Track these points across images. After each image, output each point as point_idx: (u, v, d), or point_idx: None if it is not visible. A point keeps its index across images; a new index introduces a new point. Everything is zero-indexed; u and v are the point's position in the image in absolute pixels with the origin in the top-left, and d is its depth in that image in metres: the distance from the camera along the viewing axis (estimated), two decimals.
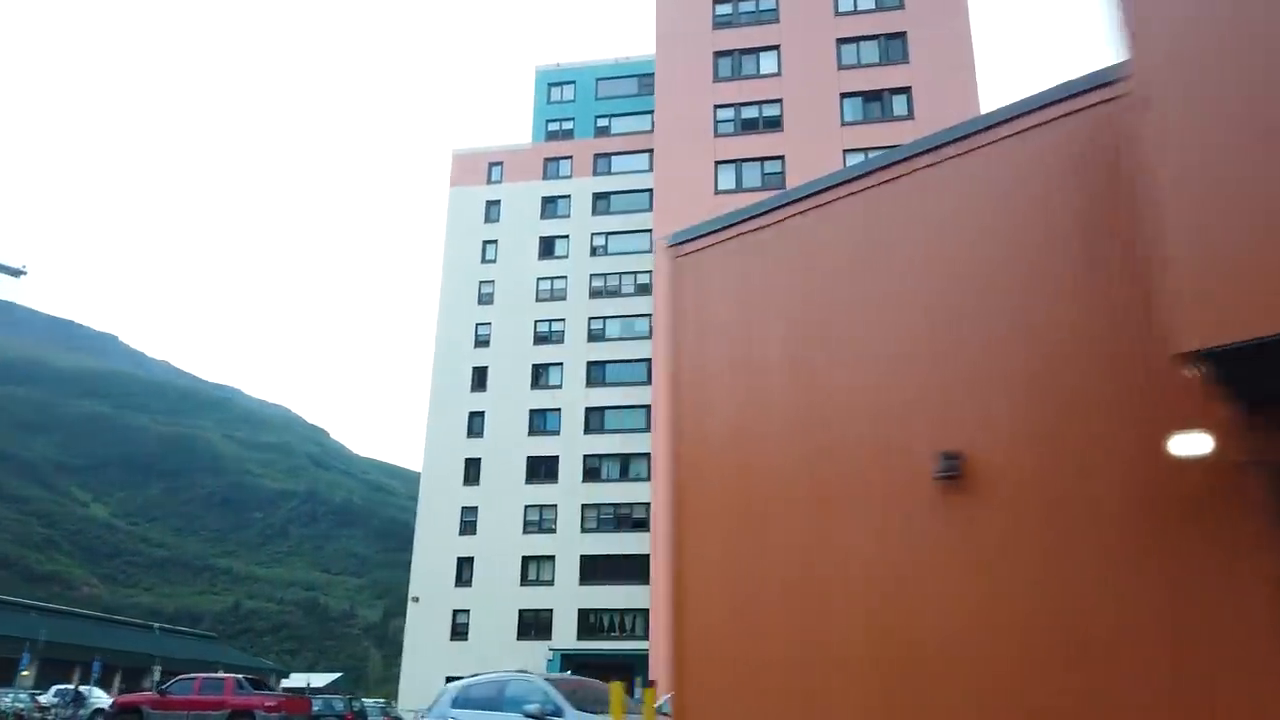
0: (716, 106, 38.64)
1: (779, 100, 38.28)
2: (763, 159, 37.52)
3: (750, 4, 40.35)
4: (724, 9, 40.49)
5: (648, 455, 49.78)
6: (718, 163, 37.76)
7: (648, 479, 49.28)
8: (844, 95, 37.78)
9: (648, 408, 50.69)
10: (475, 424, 52.40)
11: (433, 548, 50.12)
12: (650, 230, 54.24)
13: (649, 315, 52.67)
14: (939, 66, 37.28)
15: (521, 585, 48.62)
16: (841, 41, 38.67)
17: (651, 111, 57.31)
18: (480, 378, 53.37)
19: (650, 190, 55.20)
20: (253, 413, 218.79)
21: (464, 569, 49.56)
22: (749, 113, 38.48)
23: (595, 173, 56.75)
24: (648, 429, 50.12)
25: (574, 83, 59.50)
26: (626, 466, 50.29)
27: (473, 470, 51.48)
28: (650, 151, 56.08)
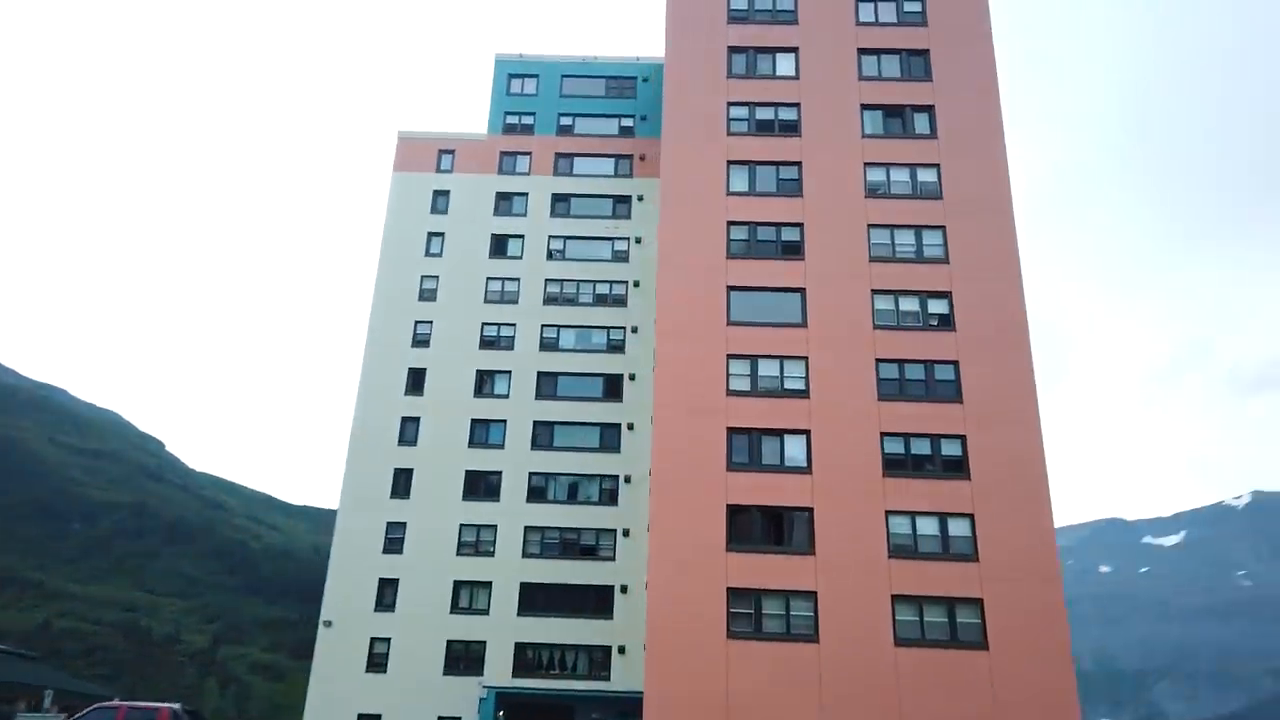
0: (730, 104, 36.11)
1: (796, 105, 36.14)
2: (778, 163, 35.13)
3: (767, 1, 38.25)
4: (739, 2, 38.21)
5: (600, 477, 45.95)
6: (730, 163, 35.08)
7: (599, 502, 45.40)
8: (864, 107, 36.02)
9: (602, 426, 46.98)
10: (409, 430, 47.04)
11: (351, 566, 44.15)
12: (612, 239, 51.10)
13: (607, 328, 49.19)
14: (962, 88, 36.17)
15: (452, 613, 43.36)
16: (863, 52, 37.05)
17: (618, 116, 54.68)
18: (417, 380, 48.15)
19: (614, 197, 52.22)
20: (80, 416, 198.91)
21: (387, 591, 43.83)
22: (764, 114, 36.13)
23: (556, 172, 53.08)
24: (601, 448, 46.37)
25: (537, 76, 55.87)
26: (576, 488, 46.16)
27: (403, 481, 46.01)
28: (616, 157, 53.27)
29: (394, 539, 44.80)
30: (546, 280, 50.36)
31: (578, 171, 53.24)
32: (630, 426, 46.65)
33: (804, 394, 31.25)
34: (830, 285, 32.70)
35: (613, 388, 47.91)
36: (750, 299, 32.76)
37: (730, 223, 33.96)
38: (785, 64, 36.96)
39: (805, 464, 30.30)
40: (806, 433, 30.67)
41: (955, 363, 31.47)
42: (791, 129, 35.75)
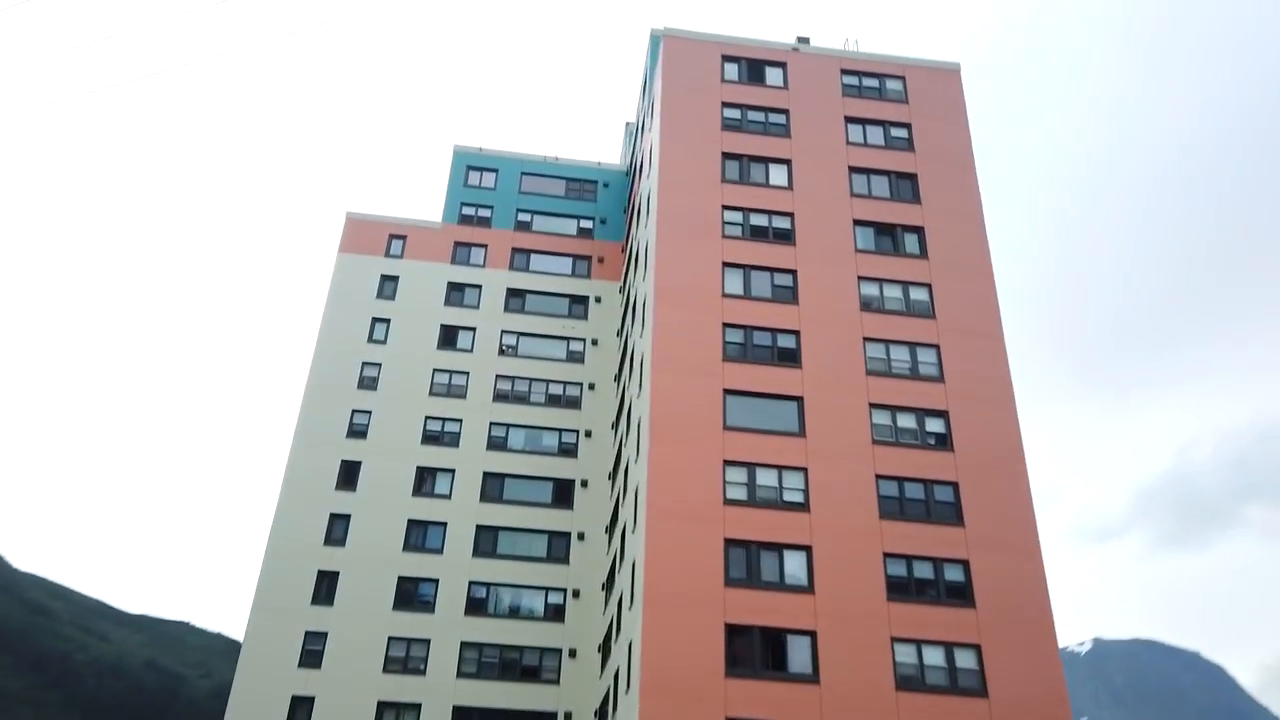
0: (725, 207, 35.55)
1: (790, 214, 35.87)
2: (773, 269, 34.49)
3: (759, 114, 38.46)
4: (733, 113, 38.29)
5: (546, 589, 42.62)
6: (725, 264, 34.24)
7: (544, 618, 41.94)
8: (857, 222, 36.05)
9: (550, 534, 43.97)
10: (337, 529, 42.85)
11: (263, 677, 38.96)
12: (568, 339, 49.37)
13: (559, 430, 46.78)
14: (950, 214, 36.72)
15: None
16: (854, 170, 37.40)
17: (577, 217, 53.94)
18: (350, 473, 44.25)
19: (571, 297, 50.80)
20: None
21: (299, 711, 38.70)
22: (758, 220, 35.67)
23: (512, 267, 51.41)
24: (549, 558, 43.25)
25: (496, 171, 54.79)
26: (519, 601, 42.60)
27: (326, 585, 41.50)
28: (575, 257, 52.17)
29: (312, 651, 39.98)
30: (497, 376, 47.89)
31: (534, 268, 51.73)
32: (581, 536, 43.79)
33: (804, 507, 29.56)
34: (828, 395, 31.61)
35: (563, 494, 45.16)
36: (747, 404, 31.28)
37: (726, 324, 32.72)
38: (778, 174, 36.86)
39: (807, 583, 28.33)
40: (808, 549, 28.82)
41: (955, 484, 30.51)
42: (785, 237, 35.27)
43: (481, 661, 40.81)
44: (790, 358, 32.54)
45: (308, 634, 40.19)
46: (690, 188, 35.68)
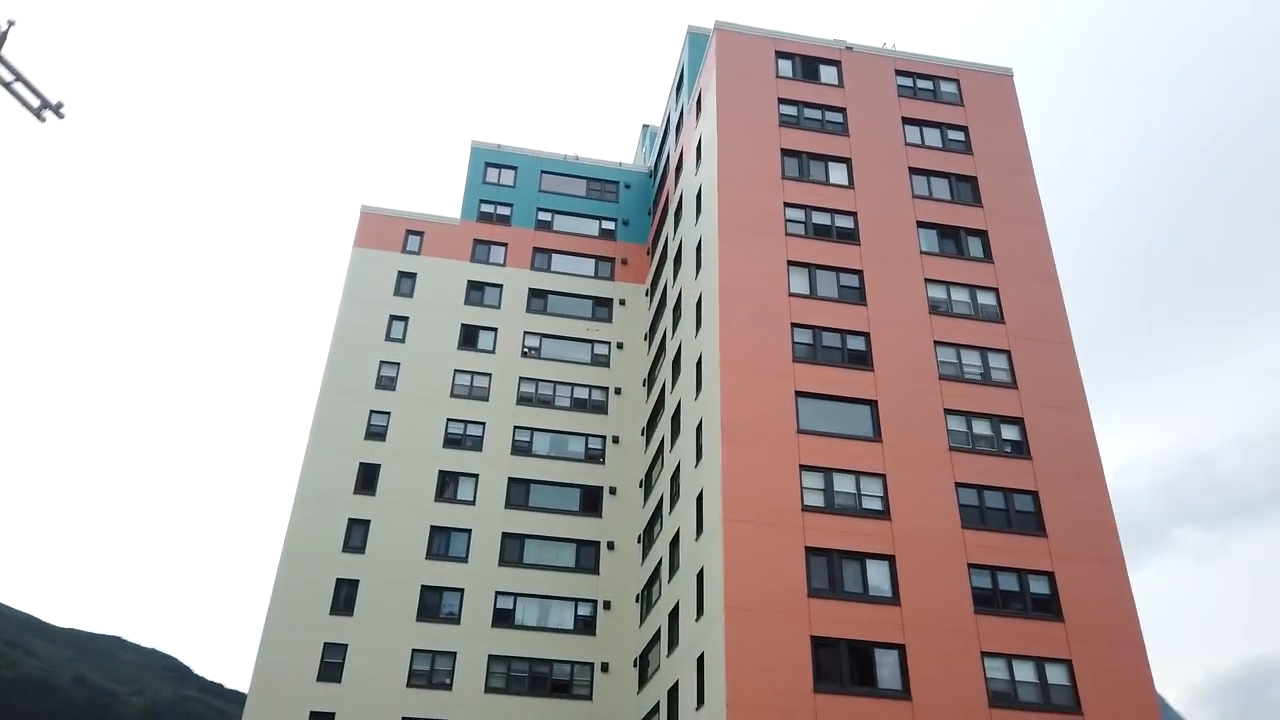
0: (786, 204, 34.36)
1: (853, 214, 34.79)
2: (839, 269, 33.33)
3: (816, 112, 37.42)
4: (789, 109, 37.19)
5: (575, 601, 40.78)
6: (790, 263, 33.01)
7: (574, 630, 40.10)
8: (920, 224, 35.10)
9: (578, 543, 42.19)
10: (356, 534, 40.61)
11: (280, 692, 36.54)
12: (592, 341, 47.76)
13: (586, 435, 45.06)
14: (1012, 218, 35.94)
15: None
16: (913, 171, 36.48)
17: (599, 218, 52.41)
18: (369, 477, 42.06)
19: (595, 299, 49.22)
20: None
21: None
22: (820, 218, 34.53)
23: (533, 266, 49.70)
24: (577, 568, 41.47)
25: (515, 168, 53.11)
26: (548, 613, 40.69)
27: (345, 594, 39.23)
28: (597, 259, 50.55)
29: (331, 664, 37.67)
30: (520, 378, 46.06)
31: (556, 269, 50.08)
32: (610, 546, 42.04)
33: (884, 515, 28.26)
34: (902, 400, 30.44)
35: (591, 501, 43.41)
36: (820, 407, 29.97)
37: (795, 324, 31.43)
38: (838, 173, 35.79)
39: (891, 594, 27.00)
40: (890, 558, 27.51)
41: (1035, 493, 29.46)
42: (849, 237, 34.15)
43: (510, 675, 38.82)
44: (860, 360, 31.33)
45: (326, 645, 37.88)
46: (751, 183, 34.44)
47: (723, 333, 30.64)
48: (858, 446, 29.42)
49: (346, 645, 38.03)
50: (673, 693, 30.90)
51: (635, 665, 38.49)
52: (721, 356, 30.16)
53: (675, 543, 33.77)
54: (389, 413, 43.84)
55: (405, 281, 47.87)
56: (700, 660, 27.83)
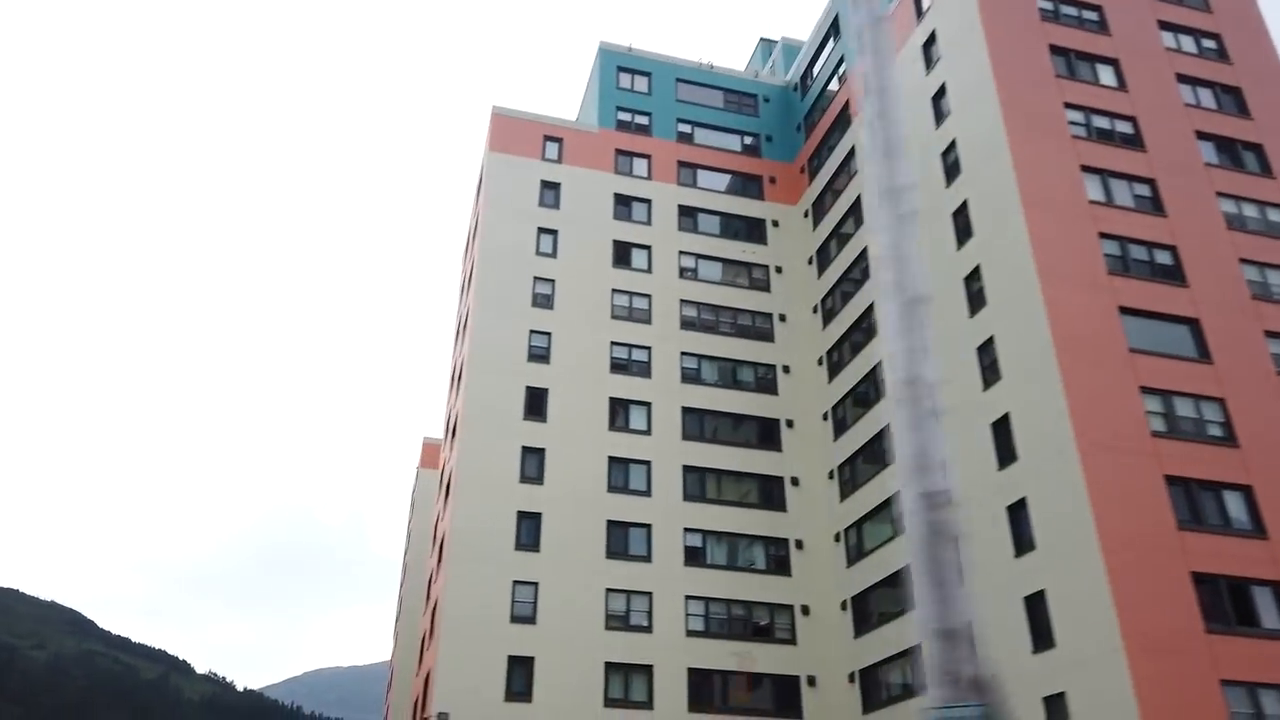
0: (1066, 105, 31.15)
1: (1131, 118, 31.76)
2: (1130, 177, 30.37)
3: (1072, 8, 34.08)
4: (1045, 3, 33.78)
5: (766, 540, 37.79)
6: (1083, 168, 29.91)
7: (767, 571, 37.17)
8: (1198, 134, 32.26)
9: (759, 478, 39.07)
10: (530, 464, 36.78)
11: (472, 635, 32.89)
12: (750, 265, 44.20)
13: (755, 364, 41.69)
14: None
15: (606, 707, 33.09)
16: (1180, 79, 33.54)
17: (739, 132, 48.50)
18: (536, 403, 38.13)
19: (746, 219, 45.50)
20: None
21: (517, 674, 32.87)
22: (1099, 121, 31.43)
23: (679, 181, 45.66)
24: (763, 504, 38.42)
25: (649, 75, 48.69)
26: (737, 551, 37.63)
27: (527, 529, 35.53)
28: (744, 176, 46.72)
29: (522, 603, 34.10)
30: (681, 301, 42.32)
31: (702, 185, 46.14)
32: (795, 481, 39.03)
33: (1230, 441, 25.74)
34: (1224, 319, 27.83)
35: (768, 434, 40.22)
36: (1143, 325, 27.15)
37: (1102, 234, 28.42)
38: (1107, 74, 32.66)
39: (1252, 526, 24.56)
40: (1247, 488, 25.04)
41: None
42: (1132, 142, 31.17)
43: (709, 617, 35.77)
44: (1170, 275, 28.54)
45: (515, 584, 34.23)
46: (1027, 79, 31.14)
47: (1034, 241, 27.46)
48: (1188, 368, 26.74)
49: (537, 584, 34.45)
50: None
51: (842, 609, 35.80)
52: (1038, 266, 27.03)
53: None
54: (549, 333, 39.78)
55: (549, 192, 43.43)
56: (1035, 599, 25.09)
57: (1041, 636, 24.73)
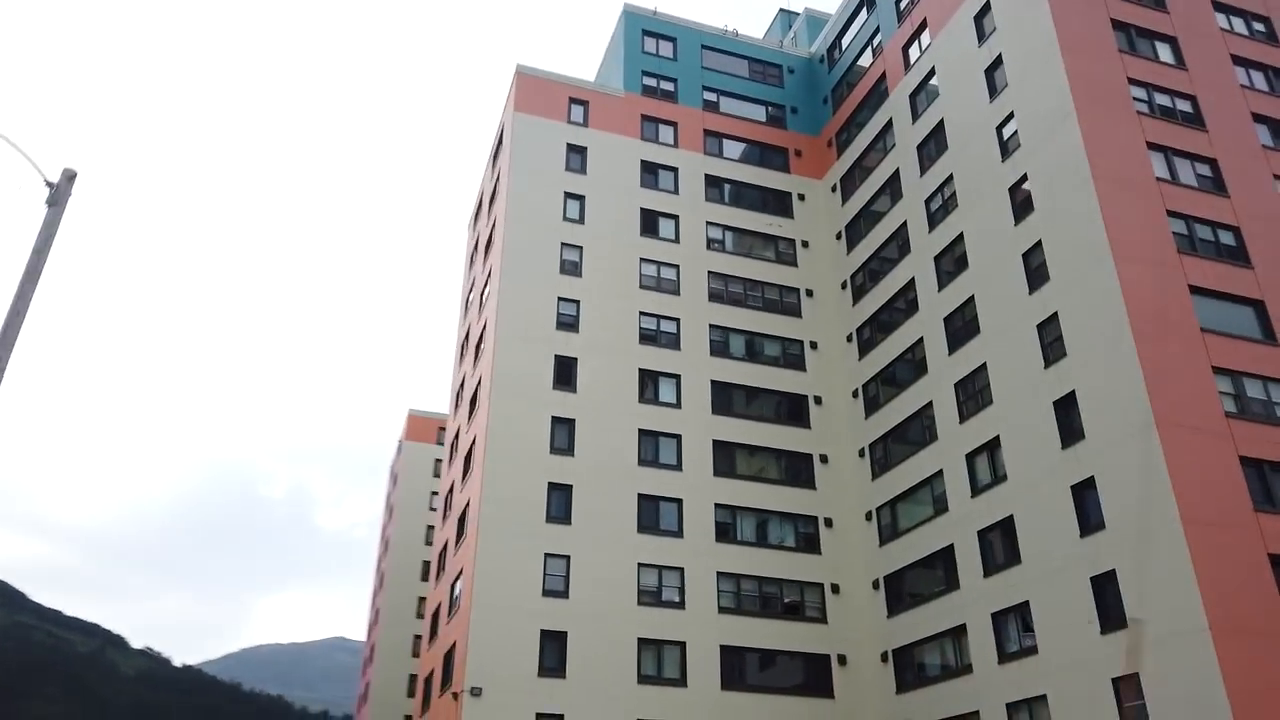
0: (1130, 80, 30.60)
1: (1191, 96, 31.36)
2: (1192, 156, 29.97)
3: None
4: None
5: (795, 517, 37.18)
6: (1149, 145, 29.42)
7: (797, 548, 36.60)
8: (1255, 116, 31.95)
9: (787, 454, 38.42)
10: (560, 435, 35.72)
11: (504, 607, 31.88)
12: (777, 238, 43.36)
13: (783, 339, 40.94)
14: None
15: (639, 683, 32.33)
16: (1235, 60, 33.18)
17: (765, 103, 47.53)
18: (565, 372, 37.04)
19: (772, 191, 44.62)
20: None
21: (550, 650, 31.96)
22: (1161, 99, 30.95)
23: (705, 151, 44.60)
24: (790, 481, 37.79)
25: (674, 40, 47.45)
26: (766, 528, 36.98)
27: (558, 500, 34.53)
28: (769, 147, 45.79)
29: (555, 576, 33.15)
30: (710, 273, 41.38)
31: (728, 154, 45.14)
32: (824, 459, 38.45)
33: None
34: None
35: (796, 410, 39.56)
36: (1212, 305, 26.78)
37: (1169, 213, 27.97)
38: (1165, 52, 32.18)
39: None
40: None
41: None
42: (1193, 121, 30.75)
43: (741, 594, 35.12)
44: (1234, 255, 28.20)
45: (547, 557, 33.26)
46: (1091, 52, 30.50)
47: (1106, 216, 26.89)
48: (1256, 349, 26.46)
49: (569, 557, 33.51)
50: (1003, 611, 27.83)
51: (874, 588, 35.35)
52: (1111, 242, 26.46)
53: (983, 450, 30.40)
54: (577, 300, 38.65)
55: (575, 156, 42.17)
56: (1103, 579, 24.70)
57: (1110, 617, 24.35)
